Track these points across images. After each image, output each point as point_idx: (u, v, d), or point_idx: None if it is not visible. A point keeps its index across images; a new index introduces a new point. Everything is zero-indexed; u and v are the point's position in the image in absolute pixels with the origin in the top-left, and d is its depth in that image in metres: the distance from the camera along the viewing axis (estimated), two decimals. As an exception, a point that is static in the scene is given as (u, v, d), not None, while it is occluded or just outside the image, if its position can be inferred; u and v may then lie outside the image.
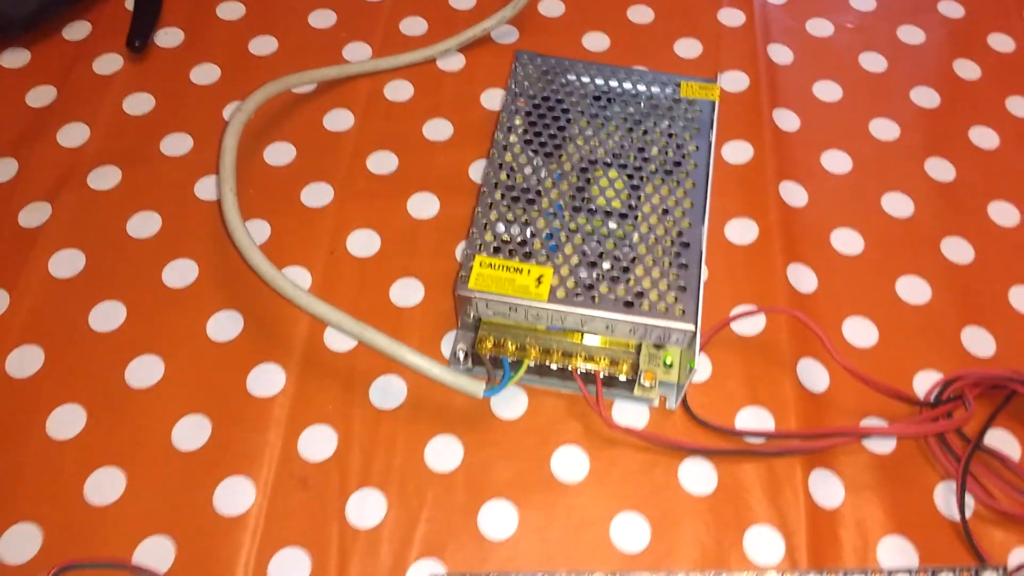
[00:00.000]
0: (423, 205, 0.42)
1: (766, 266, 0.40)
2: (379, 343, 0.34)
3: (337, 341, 0.37)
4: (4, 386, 0.35)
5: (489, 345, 0.35)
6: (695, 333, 0.33)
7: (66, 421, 0.34)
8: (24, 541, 0.32)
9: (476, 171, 0.43)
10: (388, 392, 0.36)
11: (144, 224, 0.40)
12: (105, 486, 0.33)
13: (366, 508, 0.33)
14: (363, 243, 0.40)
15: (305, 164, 0.43)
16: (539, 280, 0.34)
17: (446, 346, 0.37)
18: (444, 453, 0.34)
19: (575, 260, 0.34)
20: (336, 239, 0.40)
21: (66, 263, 0.39)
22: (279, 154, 0.43)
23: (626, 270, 0.34)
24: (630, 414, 0.36)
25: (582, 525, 0.33)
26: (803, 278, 0.39)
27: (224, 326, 0.37)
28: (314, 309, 0.35)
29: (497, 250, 0.34)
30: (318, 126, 0.44)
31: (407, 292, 0.39)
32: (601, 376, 0.35)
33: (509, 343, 0.35)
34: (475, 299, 0.33)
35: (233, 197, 0.38)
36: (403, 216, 0.41)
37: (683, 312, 0.33)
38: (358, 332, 0.35)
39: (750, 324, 0.38)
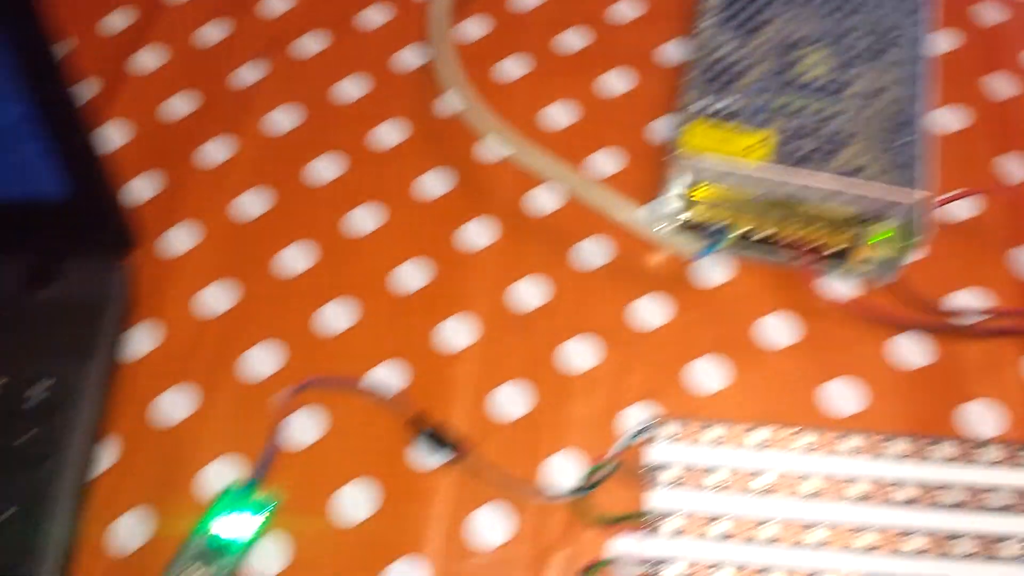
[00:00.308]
0: (617, 81, 0.42)
1: (976, 154, 0.39)
2: (598, 199, 0.35)
3: (544, 201, 0.39)
4: (232, 228, 0.38)
5: (700, 210, 0.36)
6: (914, 208, 0.33)
7: (295, 258, 0.37)
8: (267, 358, 0.34)
9: (672, 50, 0.43)
10: (594, 252, 0.37)
11: (352, 87, 0.42)
12: (335, 318, 0.35)
13: (579, 354, 0.34)
14: (558, 115, 0.41)
15: (499, 39, 0.44)
16: (757, 145, 0.34)
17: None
18: (650, 312, 0.36)
19: (789, 133, 0.35)
20: (528, 113, 0.41)
21: (283, 118, 0.41)
22: (474, 29, 0.44)
23: (843, 144, 0.34)
24: (841, 287, 0.36)
25: (789, 389, 0.34)
26: (1015, 167, 0.39)
27: (433, 184, 0.39)
28: (534, 162, 0.36)
29: (710, 119, 0.35)
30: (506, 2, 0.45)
31: (605, 162, 0.40)
32: (814, 247, 0.35)
33: (720, 210, 0.36)
34: (691, 163, 0.34)
35: (448, 52, 0.39)
36: (596, 92, 0.42)
37: (903, 186, 0.33)
38: (580, 186, 0.35)
39: (965, 208, 0.38)
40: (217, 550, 0.29)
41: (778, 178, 0.33)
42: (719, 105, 0.36)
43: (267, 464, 0.32)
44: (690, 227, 0.36)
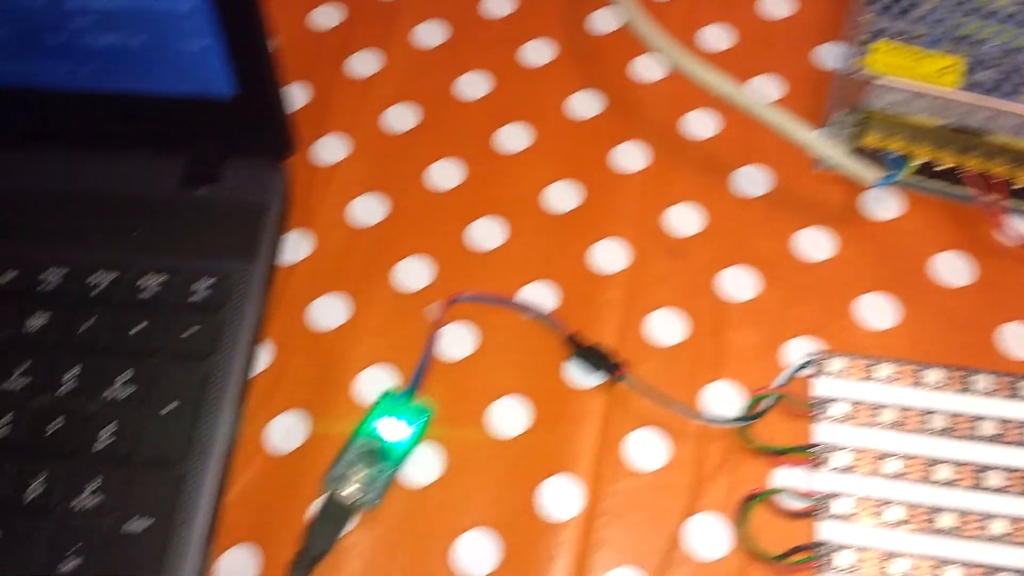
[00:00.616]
0: (778, 4, 0.40)
1: None
2: (772, 118, 0.33)
3: (700, 126, 0.37)
4: (382, 141, 0.38)
5: (875, 138, 0.34)
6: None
7: (444, 173, 0.36)
8: (419, 271, 0.34)
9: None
10: (753, 181, 0.36)
11: (500, 2, 0.41)
12: (485, 234, 0.35)
13: (738, 284, 0.33)
14: (716, 38, 0.40)
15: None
16: (946, 70, 0.32)
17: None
18: (815, 245, 0.34)
19: (976, 61, 0.32)
20: (685, 34, 0.40)
21: (431, 33, 0.40)
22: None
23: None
24: (1022, 226, 0.34)
25: (963, 329, 0.32)
26: None
27: (584, 104, 0.38)
28: (702, 76, 0.34)
29: (893, 40, 0.33)
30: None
31: (766, 87, 0.38)
32: (996, 183, 0.33)
33: (897, 139, 0.34)
34: (877, 84, 0.32)
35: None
36: (757, 14, 0.40)
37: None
38: (752, 104, 0.33)
39: None
40: (378, 453, 0.29)
41: (974, 103, 0.31)
42: (902, 26, 0.33)
43: (422, 374, 0.31)
44: (863, 155, 0.34)
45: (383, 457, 0.29)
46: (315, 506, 0.29)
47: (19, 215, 0.34)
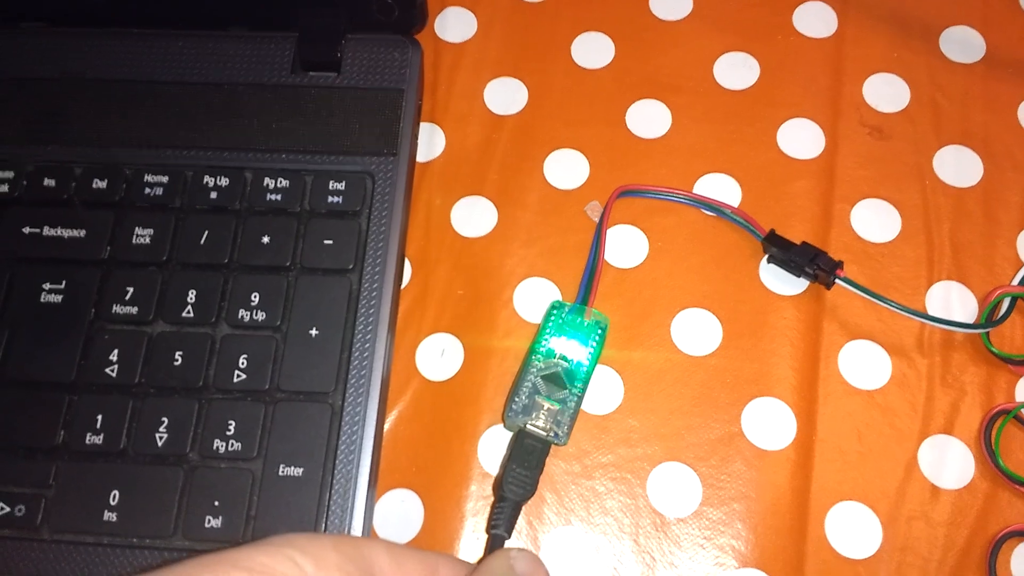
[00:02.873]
0: None
1: None
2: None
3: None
4: (518, 10, 0.32)
5: None
6: None
7: (592, 49, 0.31)
8: (573, 168, 0.29)
9: None
10: (964, 44, 0.30)
11: None
12: (646, 119, 0.30)
13: (956, 166, 0.28)
14: None
15: None
16: None
17: None
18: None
19: None
20: None
21: None
22: None
23: None
24: None
25: None
26: None
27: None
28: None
29: None
30: None
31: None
32: None
33: None
34: None
35: None
36: None
37: None
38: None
39: None
40: (563, 377, 0.24)
41: None
42: None
43: (590, 282, 0.27)
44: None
45: (569, 381, 0.25)
46: (490, 441, 0.25)
47: (109, 106, 0.28)
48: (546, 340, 0.25)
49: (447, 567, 0.18)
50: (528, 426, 0.24)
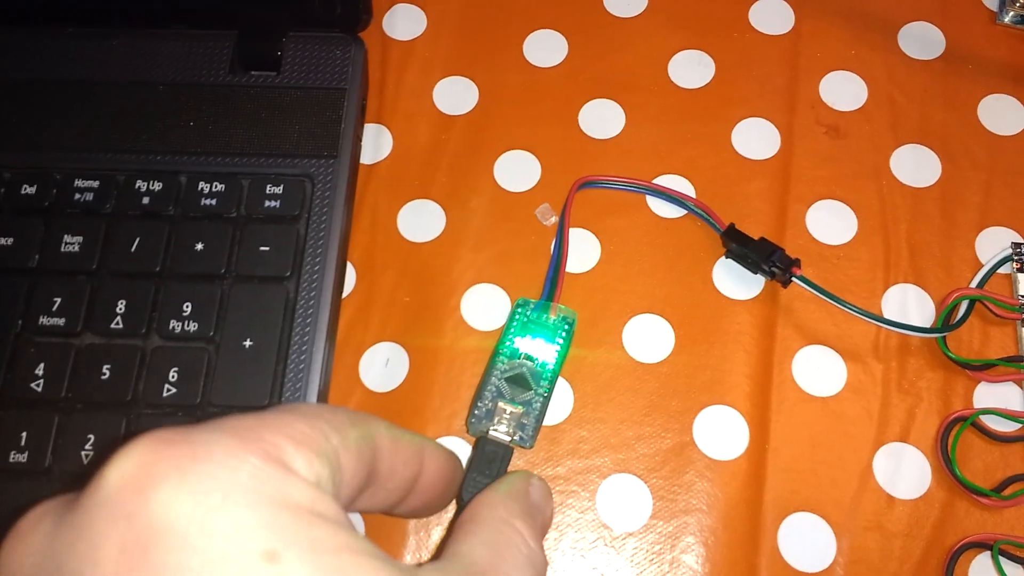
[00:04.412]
0: None
1: None
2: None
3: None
4: (469, 8, 0.31)
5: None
6: None
7: (544, 47, 0.30)
8: (525, 169, 0.28)
9: None
10: (922, 40, 0.29)
11: None
12: (599, 119, 0.29)
13: (913, 166, 0.27)
14: None
15: None
16: None
17: None
18: (1001, 114, 0.28)
19: None
20: None
21: None
22: None
23: None
24: None
25: None
26: None
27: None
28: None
29: None
30: None
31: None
32: None
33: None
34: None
35: None
36: None
37: None
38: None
39: None
40: (528, 377, 0.23)
41: None
42: None
43: (555, 279, 0.26)
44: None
45: (535, 382, 0.24)
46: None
47: (39, 108, 0.27)
48: (510, 340, 0.24)
49: (432, 451, 0.18)
50: (491, 432, 0.23)
